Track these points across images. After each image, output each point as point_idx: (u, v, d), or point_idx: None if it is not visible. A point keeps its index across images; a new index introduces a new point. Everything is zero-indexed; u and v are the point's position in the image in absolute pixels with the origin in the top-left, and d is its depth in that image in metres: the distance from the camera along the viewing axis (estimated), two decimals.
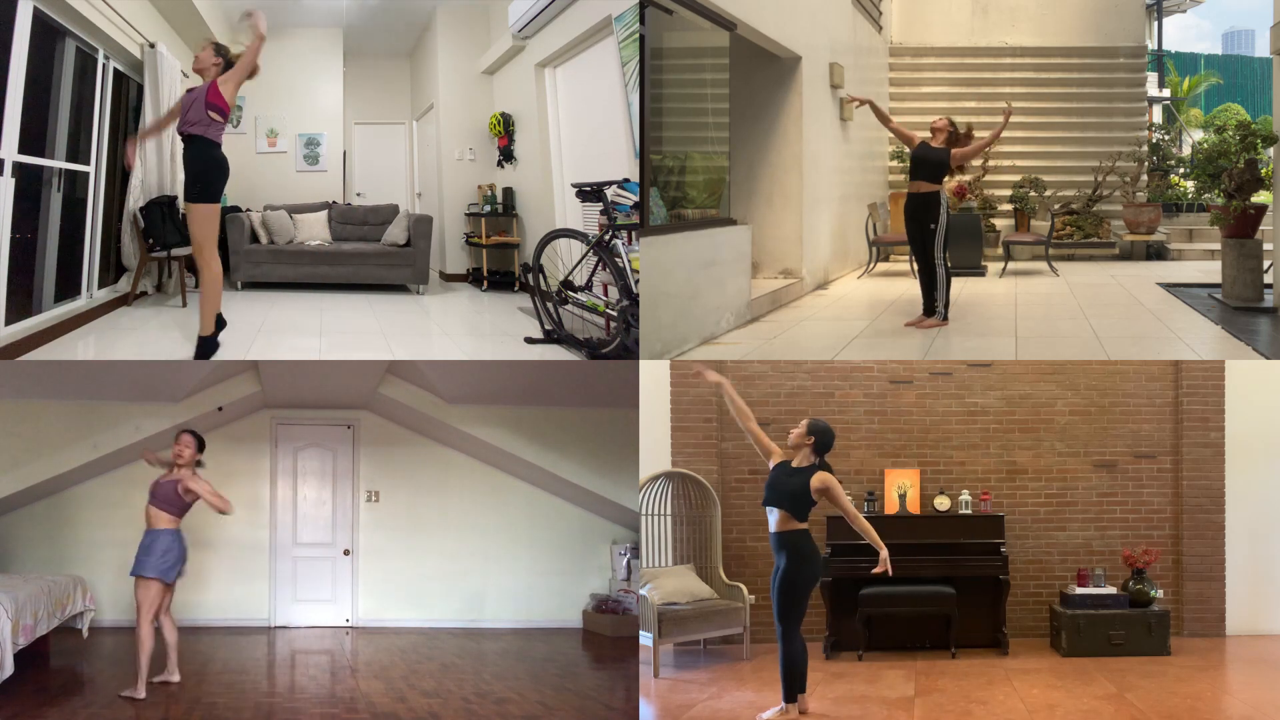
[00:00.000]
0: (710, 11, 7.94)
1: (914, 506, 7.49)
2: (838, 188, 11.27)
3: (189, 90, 6.76)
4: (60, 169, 7.71)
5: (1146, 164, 13.63)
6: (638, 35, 7.13)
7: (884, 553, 5.45)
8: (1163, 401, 7.67)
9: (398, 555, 9.16)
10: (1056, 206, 13.11)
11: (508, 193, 11.94)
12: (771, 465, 5.64)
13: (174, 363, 7.36)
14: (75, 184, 8.12)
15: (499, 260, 11.88)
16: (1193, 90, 20.23)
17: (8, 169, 6.60)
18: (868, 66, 12.64)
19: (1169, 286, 10.35)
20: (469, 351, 8.16)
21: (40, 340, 7.19)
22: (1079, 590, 7.15)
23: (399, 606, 9.12)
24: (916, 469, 7.58)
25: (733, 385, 5.82)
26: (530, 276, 8.40)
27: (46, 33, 7.36)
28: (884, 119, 8.48)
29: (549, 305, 8.01)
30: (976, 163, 13.04)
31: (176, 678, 6.28)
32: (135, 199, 8.98)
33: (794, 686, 5.49)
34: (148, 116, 9.11)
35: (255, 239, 11.32)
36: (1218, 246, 9.91)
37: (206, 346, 6.89)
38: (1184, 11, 20.13)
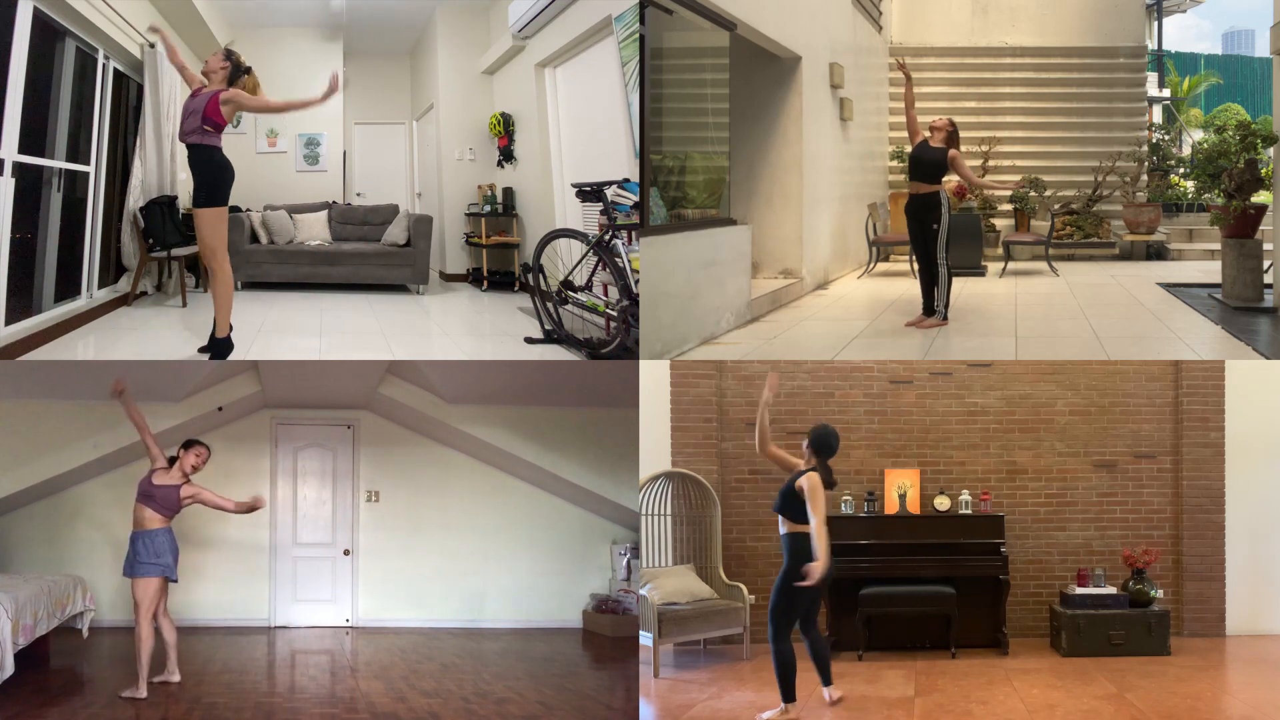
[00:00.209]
0: (710, 11, 7.94)
1: (914, 506, 7.49)
2: (838, 188, 11.27)
3: (194, 93, 6.74)
4: (60, 169, 7.71)
5: (1146, 164, 13.63)
6: (638, 35, 7.13)
7: (817, 564, 5.40)
8: (1163, 401, 7.67)
9: (398, 555, 9.16)
10: (1056, 206, 13.11)
11: (508, 193, 11.94)
12: None
13: (174, 363, 7.37)
14: (75, 184, 8.12)
15: (499, 260, 11.88)
16: (1193, 90, 20.24)
17: (8, 169, 6.61)
18: (868, 66, 12.64)
19: (1169, 286, 10.35)
20: (469, 351, 8.16)
21: (40, 340, 7.19)
22: (1079, 590, 7.15)
23: (399, 606, 9.12)
24: (916, 469, 7.57)
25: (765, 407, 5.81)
26: (530, 276, 8.41)
27: (46, 33, 7.36)
28: (909, 103, 8.42)
29: (549, 305, 8.01)
30: (976, 162, 13.07)
31: (176, 677, 6.29)
32: (135, 199, 8.98)
33: (789, 686, 5.53)
34: (147, 116, 9.12)
35: (255, 239, 11.32)
36: (1218, 246, 9.91)
37: (222, 347, 6.95)
38: (1184, 11, 20.14)
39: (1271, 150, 8.97)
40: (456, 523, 9.22)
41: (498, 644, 8.25)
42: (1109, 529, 7.63)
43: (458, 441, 8.93)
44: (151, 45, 9.01)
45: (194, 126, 6.59)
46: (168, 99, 9.26)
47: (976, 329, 8.33)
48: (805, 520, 5.52)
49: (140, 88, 9.19)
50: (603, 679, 7.05)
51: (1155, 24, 18.61)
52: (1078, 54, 14.25)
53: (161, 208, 9.23)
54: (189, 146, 6.68)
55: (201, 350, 7.08)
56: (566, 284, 7.83)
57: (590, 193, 7.73)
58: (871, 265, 11.68)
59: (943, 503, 7.43)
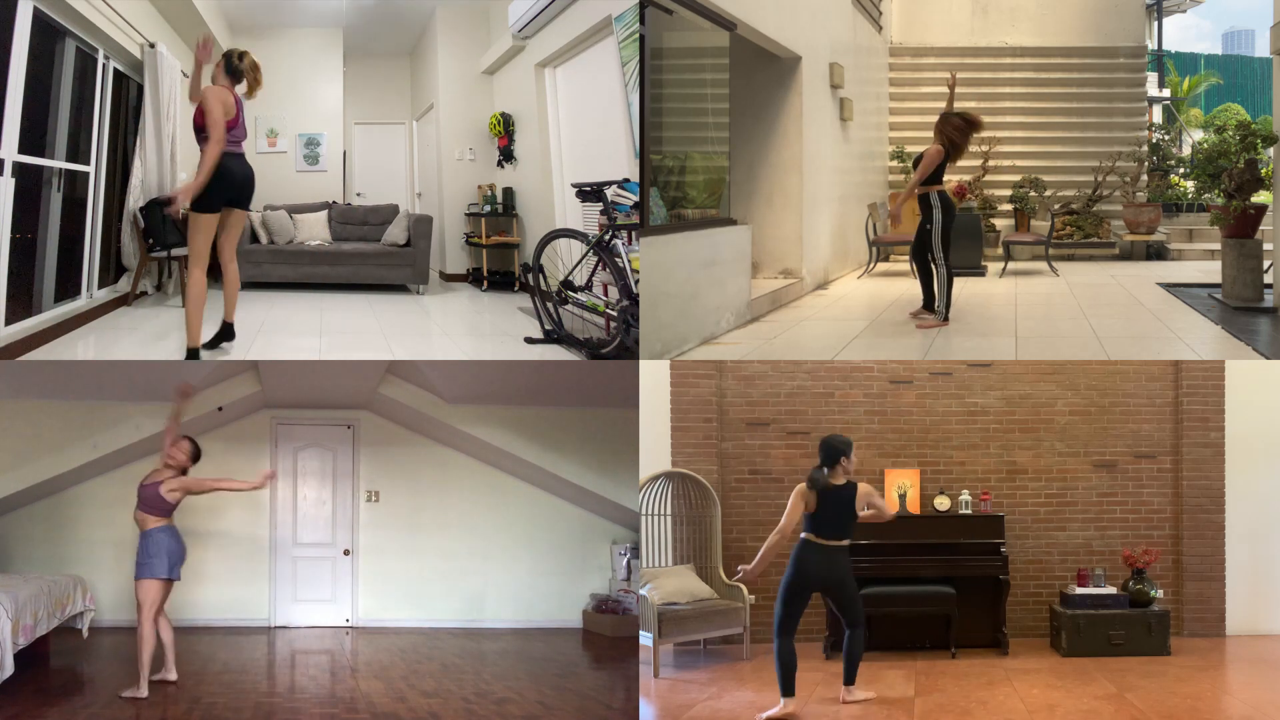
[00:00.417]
0: (710, 11, 7.94)
1: (914, 506, 7.49)
2: (838, 188, 11.27)
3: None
4: (60, 169, 7.71)
5: (1146, 164, 13.63)
6: (638, 35, 7.13)
7: (749, 569, 5.77)
8: (1163, 401, 7.67)
9: (398, 555, 9.16)
10: (1056, 206, 13.12)
11: (508, 193, 11.95)
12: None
13: (174, 363, 7.36)
14: (75, 184, 8.12)
15: (499, 260, 11.89)
16: (1193, 90, 20.24)
17: (8, 169, 6.60)
18: (868, 66, 12.64)
19: (1169, 286, 10.35)
20: (469, 351, 8.16)
21: (40, 340, 7.19)
22: (1079, 590, 7.15)
23: (399, 606, 9.12)
24: (916, 469, 7.57)
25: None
26: (530, 276, 8.41)
27: (46, 33, 7.36)
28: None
29: (549, 305, 8.01)
30: (975, 162, 13.07)
31: (173, 676, 6.29)
32: (135, 199, 8.98)
33: (788, 683, 5.62)
34: (148, 116, 9.12)
35: (255, 239, 11.33)
36: (1218, 246, 9.91)
37: (226, 332, 7.06)
38: (1184, 11, 20.15)
39: (1271, 150, 8.97)
40: (456, 523, 9.22)
41: (498, 644, 8.25)
42: (1109, 529, 7.63)
43: (458, 441, 8.93)
44: (152, 45, 9.01)
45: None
46: (168, 99, 9.25)
47: (976, 329, 8.33)
48: (807, 528, 5.71)
49: (140, 88, 9.19)
50: (603, 679, 7.05)
51: (1155, 24, 18.61)
52: (1078, 54, 14.25)
53: (161, 208, 9.23)
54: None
55: (205, 346, 7.06)
56: (566, 284, 7.83)
57: (590, 193, 7.73)
58: (871, 265, 11.68)
59: (943, 503, 7.43)
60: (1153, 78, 17.21)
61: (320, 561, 9.12)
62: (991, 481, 7.62)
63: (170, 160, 9.45)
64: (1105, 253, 13.24)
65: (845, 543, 5.72)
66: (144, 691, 5.96)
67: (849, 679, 5.87)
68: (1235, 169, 8.79)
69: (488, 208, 12.00)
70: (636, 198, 7.16)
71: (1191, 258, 13.16)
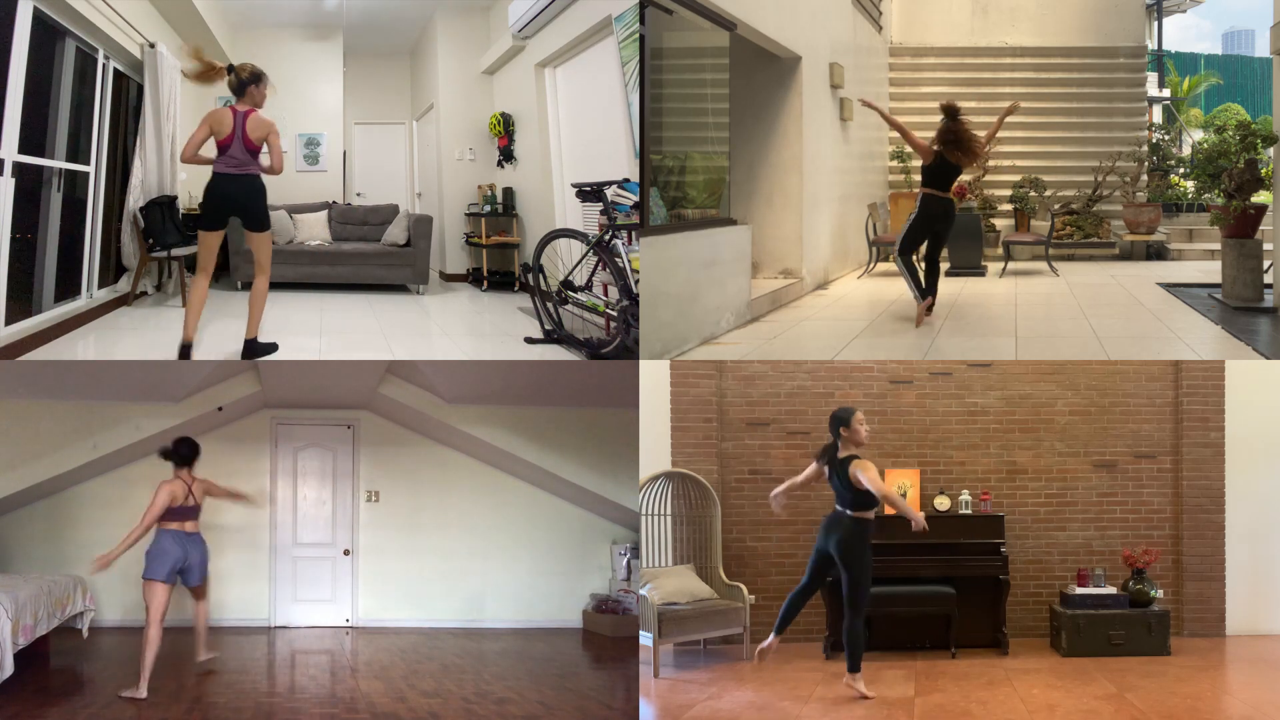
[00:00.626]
0: (710, 11, 7.94)
1: (914, 506, 7.48)
2: (838, 188, 11.27)
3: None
4: (60, 169, 7.71)
5: (1146, 164, 13.63)
6: (638, 35, 7.13)
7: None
8: (1163, 401, 7.67)
9: (398, 555, 9.16)
10: (1056, 206, 13.12)
11: (508, 193, 11.95)
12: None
13: (174, 363, 7.36)
14: (75, 184, 8.12)
15: (499, 260, 11.89)
16: (1193, 90, 20.24)
17: (8, 169, 6.61)
18: (868, 66, 12.64)
19: (1169, 286, 10.35)
20: (469, 351, 8.16)
21: (40, 340, 7.20)
22: (1079, 590, 7.14)
23: (399, 606, 9.12)
24: (916, 469, 7.57)
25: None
26: (530, 276, 8.41)
27: (46, 33, 7.36)
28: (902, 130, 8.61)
29: (549, 305, 8.01)
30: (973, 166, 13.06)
31: (201, 656, 6.72)
32: (135, 199, 8.98)
33: (783, 623, 6.12)
34: (148, 117, 9.12)
35: None
36: (1218, 246, 9.91)
37: (253, 348, 7.13)
38: (1184, 11, 20.14)
39: (1271, 150, 8.96)
40: (456, 523, 9.22)
41: (498, 644, 8.25)
42: (1109, 529, 7.62)
43: (458, 441, 8.93)
44: (152, 45, 9.02)
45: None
46: (168, 99, 9.26)
47: (976, 329, 8.33)
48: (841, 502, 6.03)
49: (140, 88, 9.19)
50: (603, 679, 7.05)
51: (1155, 24, 18.61)
52: (1078, 54, 14.25)
53: (161, 208, 9.23)
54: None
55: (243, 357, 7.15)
56: (566, 284, 7.83)
57: (590, 193, 7.73)
58: (871, 265, 11.68)
59: (943, 503, 7.43)
60: (1153, 78, 17.21)
61: (320, 561, 9.12)
62: (991, 481, 7.62)
63: (170, 160, 9.45)
64: (1105, 253, 13.24)
65: (849, 513, 5.95)
66: (143, 692, 5.96)
67: (851, 666, 5.96)
68: (1235, 169, 8.79)
69: (488, 208, 12.00)
70: (636, 198, 7.16)
71: (1191, 258, 13.16)
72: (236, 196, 6.74)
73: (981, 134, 8.09)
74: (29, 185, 7.17)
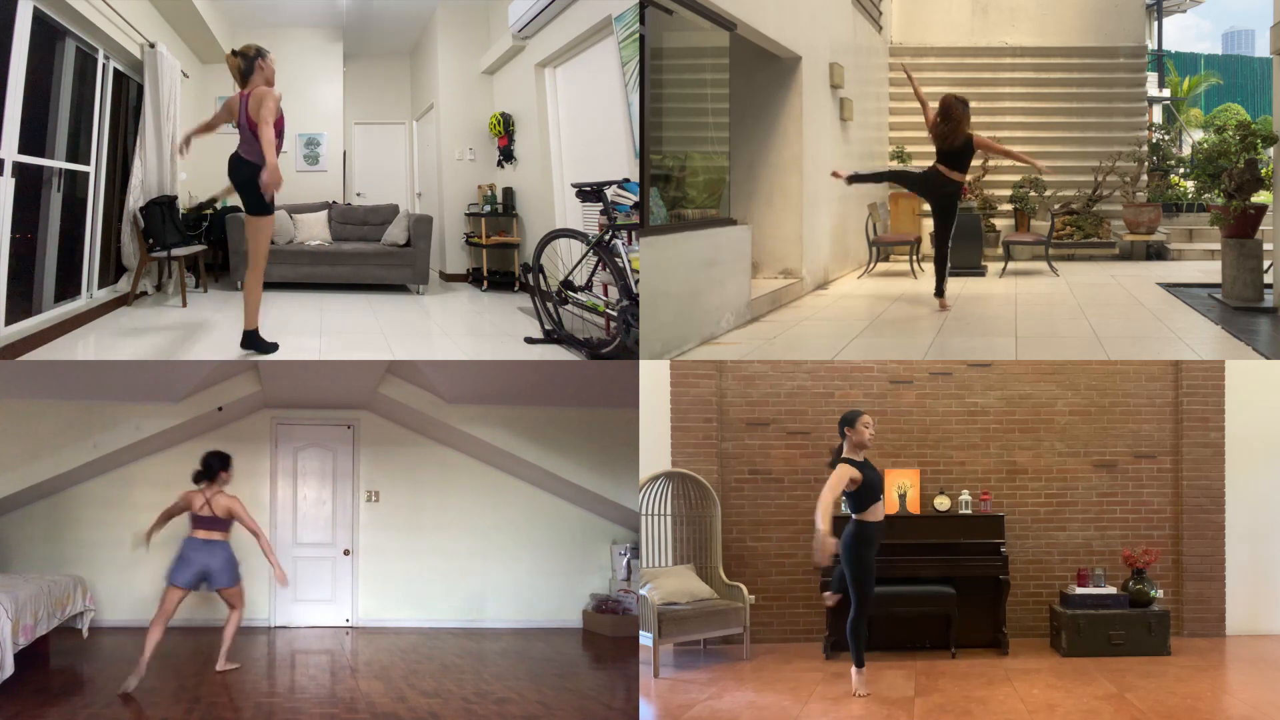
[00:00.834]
0: (710, 11, 7.94)
1: (914, 506, 7.49)
2: (838, 188, 11.26)
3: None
4: (60, 169, 7.72)
5: (1146, 164, 13.63)
6: (638, 35, 7.13)
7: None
8: (1163, 401, 7.67)
9: (398, 555, 9.16)
10: (1056, 206, 13.12)
11: (508, 193, 11.95)
12: (856, 476, 5.97)
13: (174, 363, 7.37)
14: (75, 184, 8.13)
15: (499, 260, 11.89)
16: (1193, 90, 20.24)
17: (8, 169, 6.61)
18: (868, 66, 12.64)
19: (1169, 286, 10.35)
20: (469, 351, 8.16)
21: (40, 340, 7.20)
22: (1079, 590, 7.15)
23: (399, 606, 9.12)
24: (916, 469, 7.57)
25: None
26: (530, 276, 8.40)
27: (46, 33, 7.36)
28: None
29: (549, 305, 8.01)
30: (976, 161, 13.07)
31: (219, 666, 6.77)
32: (135, 199, 8.99)
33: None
34: (148, 117, 9.12)
35: None
36: (1218, 246, 9.91)
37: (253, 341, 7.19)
38: (1184, 11, 20.14)
39: (1271, 150, 8.96)
40: (456, 523, 9.22)
41: (498, 644, 8.25)
42: (1109, 529, 7.62)
43: (458, 441, 8.93)
44: (152, 45, 9.02)
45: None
46: (168, 99, 9.26)
47: (976, 329, 8.33)
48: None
49: (140, 88, 9.19)
50: (603, 679, 7.05)
51: (1155, 24, 18.61)
52: (1078, 54, 14.25)
53: (161, 208, 9.24)
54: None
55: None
56: (566, 284, 7.83)
57: (590, 193, 7.73)
58: (871, 265, 11.67)
59: (943, 503, 7.43)
60: (1153, 78, 17.20)
61: (320, 561, 9.12)
62: (991, 481, 7.62)
63: (170, 160, 9.45)
64: (1105, 253, 13.24)
65: (849, 515, 6.08)
66: (130, 686, 6.05)
67: (856, 661, 6.04)
68: (1235, 169, 8.79)
69: (488, 208, 12.00)
70: (636, 198, 7.16)
71: (1191, 258, 13.16)
72: (237, 176, 6.88)
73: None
74: (29, 185, 7.17)
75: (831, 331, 8.26)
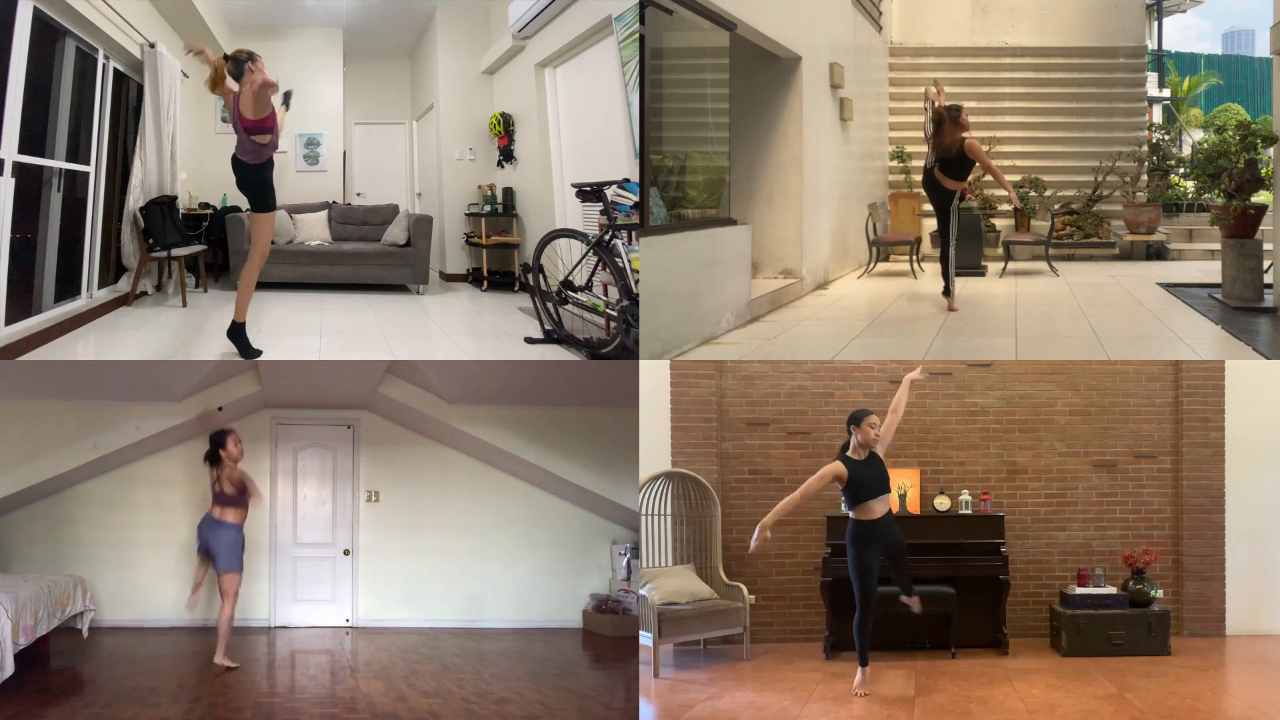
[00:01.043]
0: (710, 11, 7.94)
1: (914, 506, 7.49)
2: (838, 188, 11.27)
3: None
4: (60, 169, 7.72)
5: (1146, 164, 13.63)
6: (638, 35, 7.13)
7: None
8: (1163, 401, 7.67)
9: (398, 555, 9.16)
10: (1056, 206, 13.12)
11: (508, 193, 11.95)
12: (841, 472, 5.99)
13: (174, 363, 7.37)
14: (75, 184, 8.13)
15: (499, 260, 11.89)
16: (1193, 90, 20.24)
17: (8, 169, 6.61)
18: (868, 66, 12.64)
19: (1169, 286, 10.35)
20: (469, 351, 8.16)
21: (40, 340, 7.20)
22: (1079, 590, 7.15)
23: (399, 606, 9.12)
24: (916, 469, 7.57)
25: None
26: (530, 276, 8.41)
27: (46, 33, 7.36)
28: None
29: (549, 305, 8.01)
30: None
31: (219, 660, 6.88)
32: (135, 199, 8.99)
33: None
34: (148, 117, 9.12)
35: None
36: (1218, 246, 9.91)
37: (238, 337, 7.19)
38: (1184, 11, 20.15)
39: (1271, 150, 8.96)
40: (456, 523, 9.21)
41: (498, 644, 8.25)
42: (1109, 529, 7.62)
43: (458, 441, 8.93)
44: (152, 45, 9.02)
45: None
46: (168, 99, 9.26)
47: (976, 329, 8.33)
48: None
49: (140, 88, 9.19)
50: (603, 679, 7.05)
51: (1155, 24, 18.61)
52: (1078, 54, 14.25)
53: (161, 208, 9.24)
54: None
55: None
56: (566, 284, 7.83)
57: (590, 193, 7.73)
58: (871, 265, 11.68)
59: (943, 503, 7.43)
60: (1153, 78, 17.20)
61: (320, 561, 9.12)
62: (991, 481, 7.62)
63: (170, 160, 9.46)
64: (1105, 253, 13.24)
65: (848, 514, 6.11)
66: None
67: (860, 659, 6.08)
68: (1235, 169, 8.79)
69: (488, 208, 12.00)
70: (636, 198, 7.16)
71: (1191, 258, 13.16)
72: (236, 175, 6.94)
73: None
74: (29, 185, 7.18)
75: (831, 331, 8.26)
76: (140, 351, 7.57)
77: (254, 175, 6.88)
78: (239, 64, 6.76)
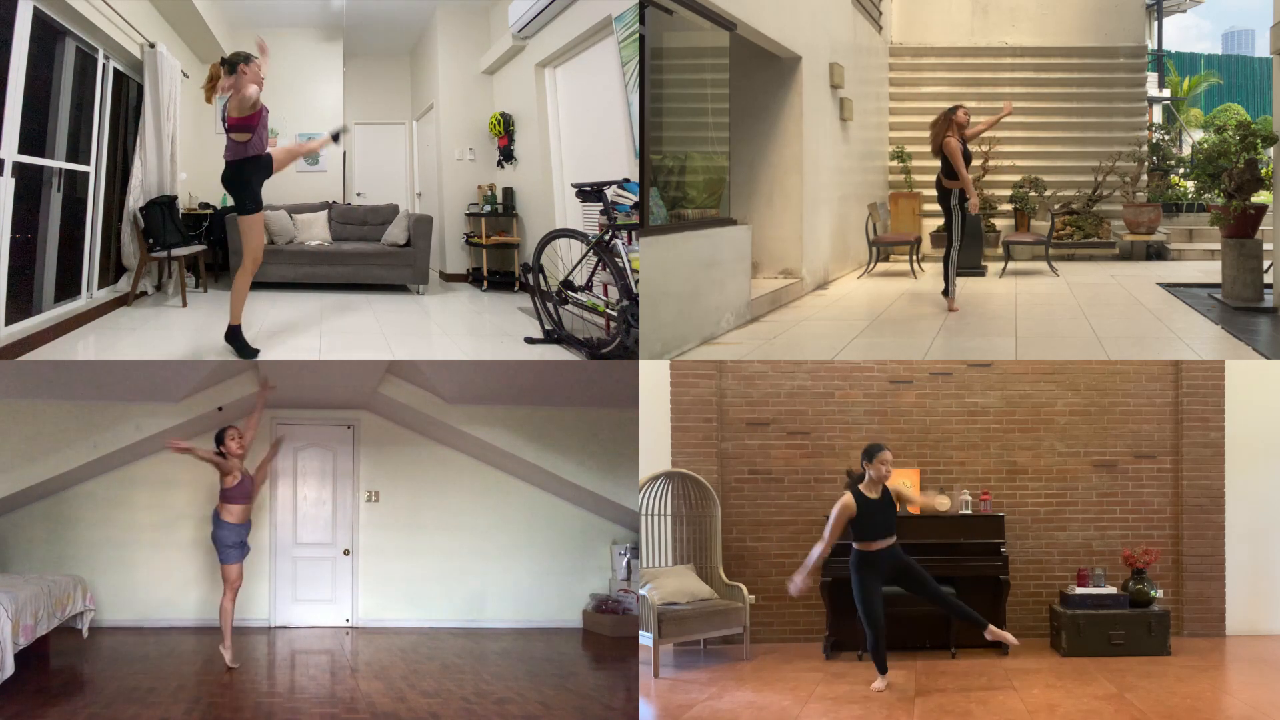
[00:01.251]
0: (710, 11, 7.94)
1: (914, 507, 7.47)
2: (838, 188, 11.27)
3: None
4: (60, 169, 7.72)
5: (1146, 164, 13.63)
6: (638, 35, 7.13)
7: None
8: (1163, 401, 7.67)
9: (398, 555, 9.16)
10: (1056, 206, 13.11)
11: (508, 193, 11.94)
12: (852, 511, 6.12)
13: (174, 363, 7.37)
14: (75, 184, 8.13)
15: (499, 260, 11.88)
16: (1193, 90, 20.24)
17: (8, 169, 6.61)
18: (868, 66, 12.64)
19: (1169, 286, 10.35)
20: (469, 351, 8.16)
21: (40, 340, 7.20)
22: (1079, 590, 7.15)
23: (399, 606, 9.12)
24: (916, 469, 7.57)
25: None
26: (530, 276, 8.40)
27: (46, 33, 7.36)
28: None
29: (549, 305, 8.01)
30: (976, 162, 13.08)
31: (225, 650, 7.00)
32: (135, 199, 8.99)
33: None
34: (148, 117, 9.12)
35: None
36: (1218, 246, 9.91)
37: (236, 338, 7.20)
38: (1184, 11, 20.14)
39: (1271, 150, 8.96)
40: (456, 523, 9.21)
41: (498, 644, 8.25)
42: (1109, 529, 7.63)
43: (458, 441, 8.93)
44: (152, 45, 9.01)
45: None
46: (168, 99, 9.26)
47: (976, 329, 8.33)
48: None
49: (140, 88, 9.19)
50: (603, 679, 7.05)
51: (1155, 24, 18.61)
52: (1078, 54, 14.25)
53: (161, 208, 9.24)
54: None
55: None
56: (566, 284, 7.83)
57: (590, 193, 7.73)
58: (871, 265, 11.68)
59: (943, 503, 7.42)
60: (1153, 78, 17.20)
61: (320, 561, 9.12)
62: (991, 481, 7.62)
63: (170, 160, 9.45)
64: (1105, 253, 13.24)
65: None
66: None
67: (879, 670, 6.22)
68: (1235, 169, 8.79)
69: (488, 208, 12.00)
70: (636, 198, 7.16)
71: (1191, 258, 13.16)
72: (226, 178, 6.94)
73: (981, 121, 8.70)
74: (29, 185, 7.18)
75: (831, 331, 8.26)
76: (140, 352, 7.57)
77: (233, 173, 6.83)
78: (232, 66, 6.75)
